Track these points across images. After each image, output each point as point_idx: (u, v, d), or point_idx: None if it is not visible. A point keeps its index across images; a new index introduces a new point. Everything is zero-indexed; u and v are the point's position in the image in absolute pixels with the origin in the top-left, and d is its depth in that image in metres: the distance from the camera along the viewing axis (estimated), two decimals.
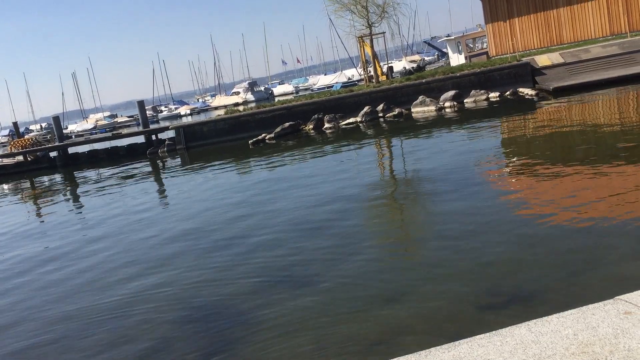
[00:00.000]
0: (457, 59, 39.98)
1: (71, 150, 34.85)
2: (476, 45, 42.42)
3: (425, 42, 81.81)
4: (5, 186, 28.87)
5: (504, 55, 32.30)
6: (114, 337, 7.21)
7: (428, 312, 6.48)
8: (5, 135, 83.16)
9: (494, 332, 3.32)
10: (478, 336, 3.28)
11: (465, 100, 26.93)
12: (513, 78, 27.49)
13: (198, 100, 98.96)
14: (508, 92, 26.77)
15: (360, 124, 26.76)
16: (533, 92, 25.73)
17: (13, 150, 34.90)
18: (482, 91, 26.98)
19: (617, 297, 3.52)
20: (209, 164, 22.94)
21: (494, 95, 26.72)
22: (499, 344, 3.14)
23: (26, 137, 42.22)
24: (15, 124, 41.31)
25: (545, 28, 32.72)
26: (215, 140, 29.49)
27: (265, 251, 9.61)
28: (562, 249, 7.53)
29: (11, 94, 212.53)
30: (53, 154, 34.12)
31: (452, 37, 44.09)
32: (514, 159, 14.11)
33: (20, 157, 34.09)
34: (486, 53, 36.05)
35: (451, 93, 27.11)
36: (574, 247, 7.52)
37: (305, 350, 6.07)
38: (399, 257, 8.51)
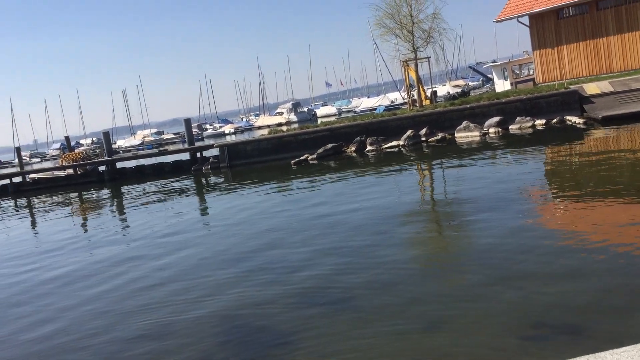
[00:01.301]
0: (502, 85, 39.59)
1: (119, 165, 35.80)
2: (522, 71, 41.98)
3: (470, 67, 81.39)
4: (55, 198, 29.80)
5: (551, 83, 31.83)
6: (154, 352, 7.33)
7: (469, 341, 6.37)
8: (56, 149, 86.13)
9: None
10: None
11: (510, 127, 26.60)
12: (560, 106, 27.03)
13: (242, 120, 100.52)
14: (555, 120, 26.33)
15: (403, 148, 26.69)
16: (581, 121, 25.23)
17: (64, 163, 36.09)
18: (528, 118, 26.60)
19: None
20: (252, 183, 23.22)
21: (540, 123, 26.31)
22: None
23: (77, 150, 43.63)
24: (67, 138, 42.79)
25: (595, 56, 32.13)
26: (258, 159, 29.85)
27: (303, 272, 9.64)
28: (611, 281, 7.32)
29: (64, 108, 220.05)
30: (102, 168, 35.13)
31: (498, 63, 43.74)
32: (560, 188, 13.83)
33: (71, 170, 35.22)
34: (532, 80, 35.60)
35: (496, 119, 26.83)
36: (623, 281, 7.30)
37: None
38: (439, 283, 8.41)
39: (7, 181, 36.84)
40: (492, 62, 48.02)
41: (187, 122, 36.27)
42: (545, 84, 32.43)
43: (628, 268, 7.73)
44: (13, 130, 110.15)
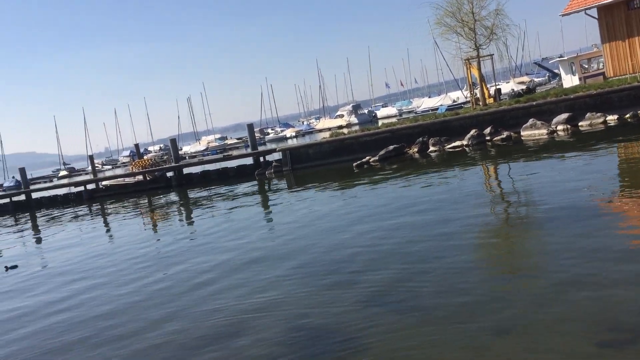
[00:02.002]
0: (570, 81, 38.19)
1: (185, 170, 36.85)
2: (591, 65, 40.34)
3: (535, 63, 79.02)
4: (127, 204, 30.99)
5: (623, 76, 30.45)
6: (226, 349, 7.51)
7: (544, 346, 6.20)
8: (127, 156, 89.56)
9: None
10: None
11: (579, 124, 25.63)
12: (633, 100, 25.80)
13: (303, 123, 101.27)
14: (628, 115, 25.16)
15: (467, 148, 26.21)
16: None
17: (134, 170, 37.51)
18: (599, 114, 25.55)
19: None
20: (314, 186, 23.38)
21: (611, 118, 25.22)
22: None
23: (145, 157, 45.24)
24: (136, 145, 44.51)
25: None
26: (320, 162, 30.03)
27: (372, 276, 9.63)
28: None
29: (133, 117, 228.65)
30: (169, 174, 36.27)
31: (565, 58, 42.23)
32: (635, 186, 13.20)
33: (140, 177, 36.56)
34: (602, 74, 34.17)
35: (564, 116, 25.92)
36: None
37: None
38: (512, 287, 8.21)
39: (81, 188, 38.63)
40: (559, 57, 46.42)
41: (250, 127, 36.92)
42: (617, 77, 31.05)
43: None
44: (86, 139, 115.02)
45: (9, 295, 13.31)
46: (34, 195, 40.34)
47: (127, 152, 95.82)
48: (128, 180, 37.58)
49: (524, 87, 56.30)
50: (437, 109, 54.72)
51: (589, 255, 8.68)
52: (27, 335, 9.89)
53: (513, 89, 55.36)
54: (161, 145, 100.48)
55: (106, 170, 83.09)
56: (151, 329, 9.00)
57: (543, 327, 6.63)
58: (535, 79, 70.79)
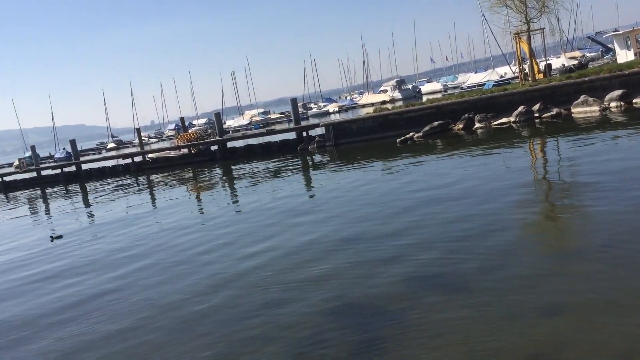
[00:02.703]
0: (625, 56, 36.68)
1: (229, 144, 37.25)
2: None
3: (588, 37, 76.12)
4: (173, 176, 31.60)
5: None
6: (266, 326, 7.62)
7: (592, 327, 6.07)
8: (172, 129, 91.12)
9: None
10: None
11: (634, 101, 24.64)
12: None
13: (346, 98, 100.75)
14: None
15: (514, 124, 25.60)
16: None
17: (180, 143, 38.14)
18: None
19: None
20: (358, 162, 23.30)
21: None
22: None
23: (190, 131, 45.90)
24: (182, 119, 45.13)
25: None
26: (363, 138, 29.87)
27: (417, 254, 9.56)
28: None
29: (178, 91, 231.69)
30: (214, 147, 36.74)
31: (620, 32, 40.51)
32: None
33: (185, 150, 37.16)
34: None
35: (618, 92, 24.96)
36: None
37: (456, 357, 5.97)
38: (559, 267, 8.03)
39: (129, 160, 39.56)
40: (614, 31, 44.59)
41: (294, 101, 36.92)
42: None
43: None
44: (133, 112, 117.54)
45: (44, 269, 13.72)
46: (84, 166, 41.55)
47: (172, 126, 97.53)
48: (174, 153, 38.27)
49: (575, 62, 54.38)
50: (483, 84, 53.46)
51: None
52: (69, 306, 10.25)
53: (564, 64, 53.56)
54: (206, 119, 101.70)
55: (152, 143, 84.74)
56: (198, 299, 9.19)
57: (594, 307, 6.49)
58: (588, 54, 68.26)
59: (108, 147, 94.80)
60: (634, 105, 24.31)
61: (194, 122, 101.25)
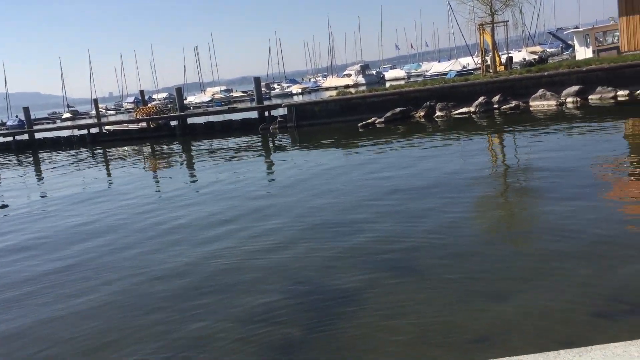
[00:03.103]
0: (584, 53, 37.62)
1: (190, 120, 36.68)
2: (606, 39, 39.64)
3: (550, 32, 77.74)
4: (129, 150, 30.98)
5: (638, 52, 29.98)
6: (218, 305, 7.60)
7: (538, 313, 6.25)
8: (131, 102, 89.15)
9: (630, 342, 3.16)
10: (613, 344, 3.13)
11: (590, 97, 25.36)
12: None
13: (310, 80, 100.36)
14: (639, 92, 24.87)
15: (474, 115, 26.02)
16: None
17: (138, 117, 37.34)
18: (610, 88, 25.23)
19: None
20: (318, 144, 23.31)
21: (622, 94, 24.92)
22: (636, 355, 2.98)
23: (150, 105, 44.98)
24: (142, 92, 44.15)
25: None
26: (325, 120, 29.84)
27: (370, 234, 9.66)
28: None
29: (138, 63, 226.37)
30: (173, 123, 36.12)
31: (581, 29, 41.50)
32: (638, 162, 13.15)
33: (144, 124, 36.41)
34: (617, 48, 33.63)
35: (575, 88, 25.61)
36: None
37: (404, 338, 6.06)
38: (509, 253, 8.25)
39: (85, 131, 38.56)
40: (574, 28, 45.59)
41: (257, 80, 36.58)
42: (631, 52, 30.55)
43: None
44: (91, 82, 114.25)
45: None
46: (37, 135, 40.30)
47: (131, 99, 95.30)
48: (132, 126, 37.47)
49: (536, 56, 55.44)
50: (446, 73, 54.07)
51: (590, 226, 8.69)
52: None
53: (525, 58, 54.55)
54: (166, 94, 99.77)
55: (110, 115, 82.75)
56: (149, 281, 9.08)
57: (540, 294, 6.68)
58: (548, 49, 69.77)
59: (63, 117, 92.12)
60: (589, 102, 25.01)
61: (154, 96, 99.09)
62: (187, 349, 6.38)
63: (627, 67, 26.04)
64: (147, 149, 30.73)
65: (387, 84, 49.93)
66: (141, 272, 9.17)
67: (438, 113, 26.96)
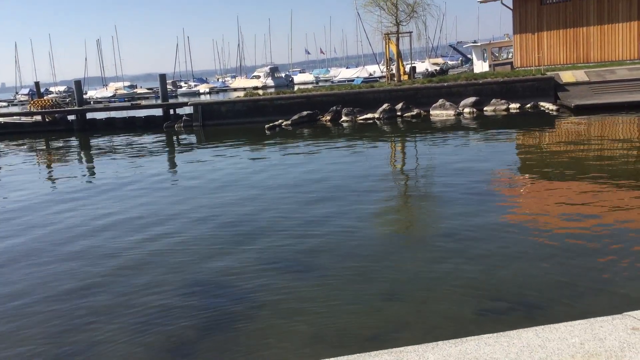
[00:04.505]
0: (481, 66, 39.78)
1: (89, 115, 35.07)
2: (502, 54, 42.23)
3: (451, 45, 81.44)
4: (22, 144, 29.11)
5: (529, 68, 32.11)
6: (112, 302, 7.31)
7: (428, 311, 6.51)
8: (25, 94, 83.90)
9: (501, 333, 3.35)
10: (485, 335, 3.31)
11: (485, 108, 26.83)
12: (535, 91, 27.31)
13: (218, 80, 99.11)
14: (529, 105, 26.63)
15: (378, 121, 26.73)
16: (554, 108, 25.57)
17: (32, 109, 35.17)
18: (503, 101, 26.85)
19: (626, 313, 3.53)
20: (224, 144, 23.02)
21: (514, 107, 26.59)
22: (505, 345, 3.17)
23: (46, 97, 42.52)
24: (37, 83, 41.56)
25: (573, 45, 32.46)
26: (232, 121, 29.54)
27: (271, 237, 9.64)
28: (570, 263, 7.52)
29: (35, 53, 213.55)
30: (71, 117, 34.36)
31: (479, 44, 43.85)
32: (527, 172, 14.06)
33: (39, 117, 34.35)
34: (511, 63, 35.85)
35: (472, 99, 27.01)
36: (582, 263, 7.51)
37: (302, 337, 6.11)
38: (403, 255, 8.53)
39: None
40: (473, 43, 48.09)
41: (162, 77, 35.60)
42: (523, 68, 32.70)
43: (587, 250, 7.95)
44: None
45: None
46: None
47: (26, 91, 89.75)
48: (25, 119, 35.25)
49: (437, 67, 58.06)
50: (353, 80, 55.31)
51: (480, 230, 9.17)
52: None
53: (427, 69, 56.93)
54: (65, 87, 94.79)
55: (1, 107, 77.47)
56: (47, 267, 8.57)
57: (431, 293, 6.95)
58: (449, 62, 73.23)
59: None
60: (484, 113, 26.45)
61: (52, 89, 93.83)
62: (79, 353, 6.06)
63: (519, 81, 27.79)
64: (41, 145, 29.00)
65: (296, 88, 50.22)
66: (23, 270, 8.63)
67: (344, 118, 27.46)
